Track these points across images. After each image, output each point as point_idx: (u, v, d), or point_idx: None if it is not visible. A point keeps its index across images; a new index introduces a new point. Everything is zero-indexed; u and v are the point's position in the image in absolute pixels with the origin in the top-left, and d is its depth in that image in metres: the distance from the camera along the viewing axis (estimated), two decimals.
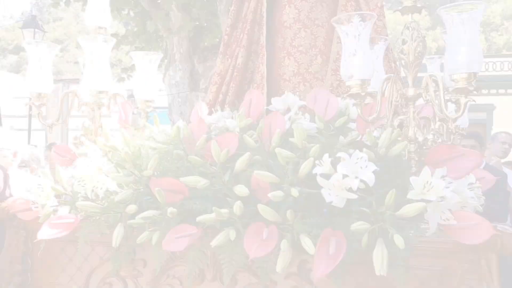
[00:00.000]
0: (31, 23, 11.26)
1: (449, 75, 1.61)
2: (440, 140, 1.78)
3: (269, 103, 2.29)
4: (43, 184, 1.87)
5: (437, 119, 1.73)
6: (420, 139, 1.65)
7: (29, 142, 10.43)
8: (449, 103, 1.67)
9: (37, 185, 1.87)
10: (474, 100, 1.62)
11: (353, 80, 1.65)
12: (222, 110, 2.56)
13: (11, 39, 35.22)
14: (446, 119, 1.62)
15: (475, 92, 1.58)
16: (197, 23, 6.90)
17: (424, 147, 1.68)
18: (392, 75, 1.80)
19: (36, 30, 10.98)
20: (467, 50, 1.56)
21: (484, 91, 12.78)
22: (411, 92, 1.69)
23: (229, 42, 2.88)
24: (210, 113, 2.34)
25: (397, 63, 2.61)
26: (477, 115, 12.33)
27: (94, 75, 2.15)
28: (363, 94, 1.64)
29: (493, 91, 13.51)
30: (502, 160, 4.53)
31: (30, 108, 2.22)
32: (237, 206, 1.49)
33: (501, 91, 13.65)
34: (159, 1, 6.57)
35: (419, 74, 1.72)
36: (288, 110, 2.13)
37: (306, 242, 1.42)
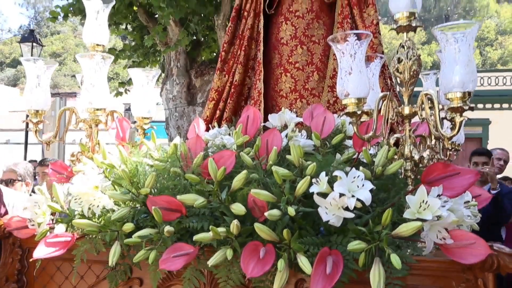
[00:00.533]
0: (29, 37, 11.33)
1: (443, 94, 1.62)
2: (436, 158, 1.79)
3: (266, 119, 2.31)
4: (39, 202, 1.86)
5: (432, 136, 1.74)
6: (416, 157, 1.66)
7: (25, 157, 10.40)
8: (444, 121, 1.67)
9: (33, 203, 1.86)
10: (469, 118, 1.63)
11: (349, 99, 1.65)
12: (219, 126, 2.57)
13: (8, 52, 35.36)
14: (441, 137, 1.63)
15: (469, 110, 1.59)
16: (195, 37, 6.94)
17: (420, 165, 1.69)
18: (388, 93, 1.81)
19: (34, 44, 11.03)
20: (462, 69, 1.56)
21: (479, 106, 12.86)
22: (406, 110, 1.70)
23: (226, 58, 2.90)
24: (207, 129, 2.34)
25: (393, 79, 2.64)
26: (472, 130, 12.41)
27: (92, 92, 2.15)
28: (359, 112, 1.65)
29: (489, 105, 13.60)
30: (498, 176, 4.54)
31: (27, 125, 2.22)
32: (234, 225, 1.49)
33: (496, 105, 13.74)
34: (156, 15, 6.62)
35: (416, 89, 1.72)
36: (285, 126, 2.14)
37: (303, 261, 1.41)
